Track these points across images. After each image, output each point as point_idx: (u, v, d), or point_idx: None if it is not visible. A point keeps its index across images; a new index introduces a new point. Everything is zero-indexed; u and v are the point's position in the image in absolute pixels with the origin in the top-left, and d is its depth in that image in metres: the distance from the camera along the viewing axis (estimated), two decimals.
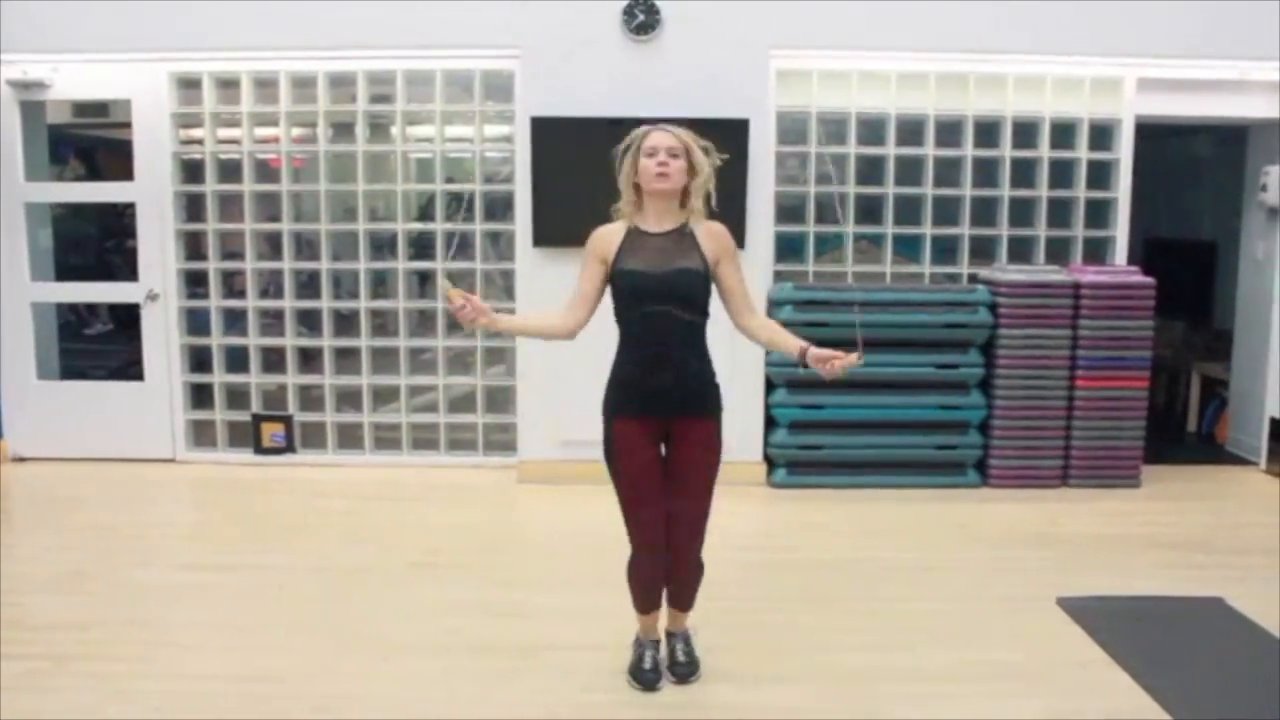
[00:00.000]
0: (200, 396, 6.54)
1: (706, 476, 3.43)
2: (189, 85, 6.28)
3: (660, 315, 3.29)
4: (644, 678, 3.55)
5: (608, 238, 3.37)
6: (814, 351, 3.22)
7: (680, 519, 3.41)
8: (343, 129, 6.33)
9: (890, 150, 6.24)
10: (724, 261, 3.36)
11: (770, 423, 6.05)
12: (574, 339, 3.44)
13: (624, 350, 3.39)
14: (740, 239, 5.77)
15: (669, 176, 3.26)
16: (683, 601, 3.61)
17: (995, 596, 4.40)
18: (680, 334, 3.32)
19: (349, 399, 6.49)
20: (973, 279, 6.25)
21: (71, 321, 7.60)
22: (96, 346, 7.46)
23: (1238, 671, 3.73)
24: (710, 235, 3.36)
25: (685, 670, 3.59)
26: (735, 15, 5.84)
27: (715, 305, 3.41)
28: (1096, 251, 6.39)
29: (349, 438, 6.50)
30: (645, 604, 3.57)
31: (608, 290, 3.39)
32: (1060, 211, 6.37)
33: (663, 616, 3.65)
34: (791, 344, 3.34)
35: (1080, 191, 6.32)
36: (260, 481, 6.12)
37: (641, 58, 5.82)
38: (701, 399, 3.39)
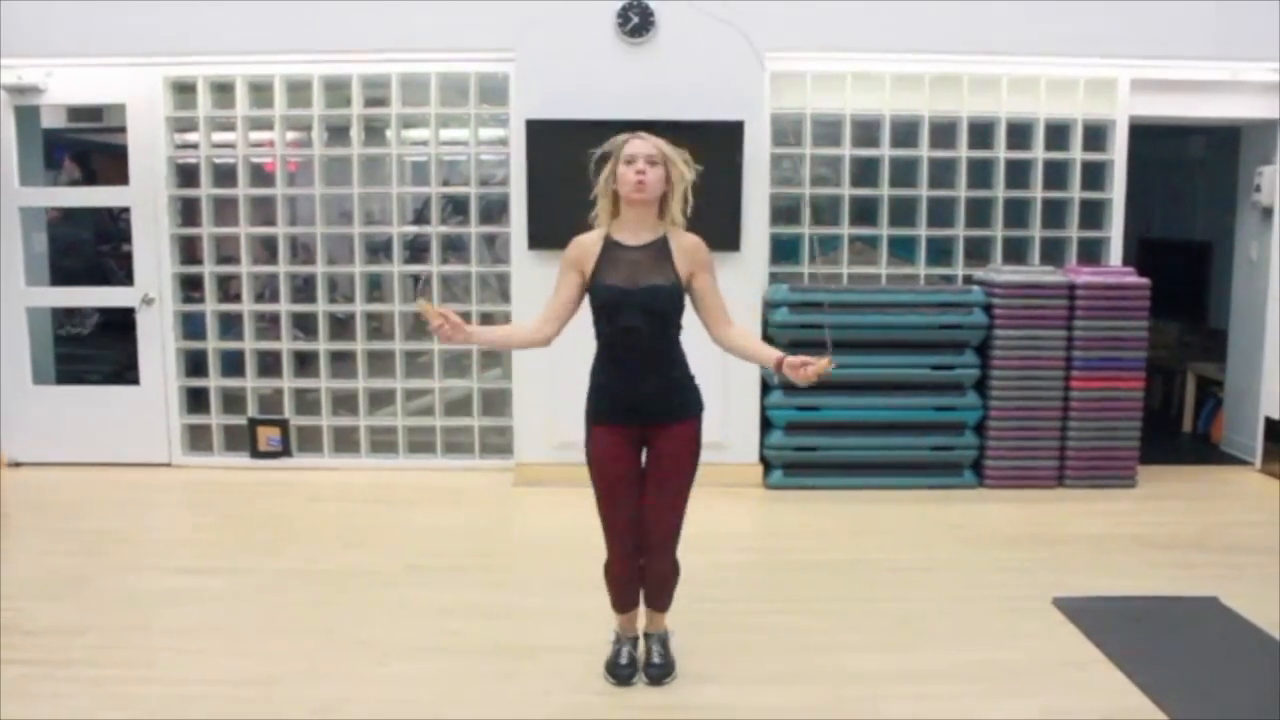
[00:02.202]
0: (196, 401, 6.53)
1: (682, 478, 3.45)
2: (184, 89, 6.28)
3: (633, 330, 3.31)
4: (618, 672, 3.60)
5: (586, 250, 3.38)
6: (788, 360, 3.23)
7: (656, 520, 3.45)
8: (338, 132, 6.33)
9: (885, 152, 6.25)
10: (698, 275, 3.37)
11: (766, 424, 6.06)
12: (550, 346, 3.48)
13: (600, 360, 3.43)
14: (735, 241, 5.84)
15: (646, 185, 3.27)
16: (660, 602, 3.63)
17: (991, 597, 4.41)
18: (653, 346, 3.35)
19: (345, 402, 6.49)
20: (968, 280, 6.26)
21: (67, 326, 7.58)
22: (92, 351, 7.43)
23: (1233, 670, 3.73)
24: (684, 250, 3.37)
25: (659, 672, 3.61)
26: (729, 17, 5.84)
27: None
28: (1091, 252, 6.40)
29: (345, 441, 6.50)
30: (621, 604, 3.62)
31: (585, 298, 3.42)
32: (1055, 212, 6.38)
33: (641, 616, 3.68)
34: (767, 355, 3.36)
35: (1075, 192, 6.34)
36: (256, 485, 6.12)
37: (636, 60, 5.83)
38: (677, 404, 3.42)
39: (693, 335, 3.45)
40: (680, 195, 3.34)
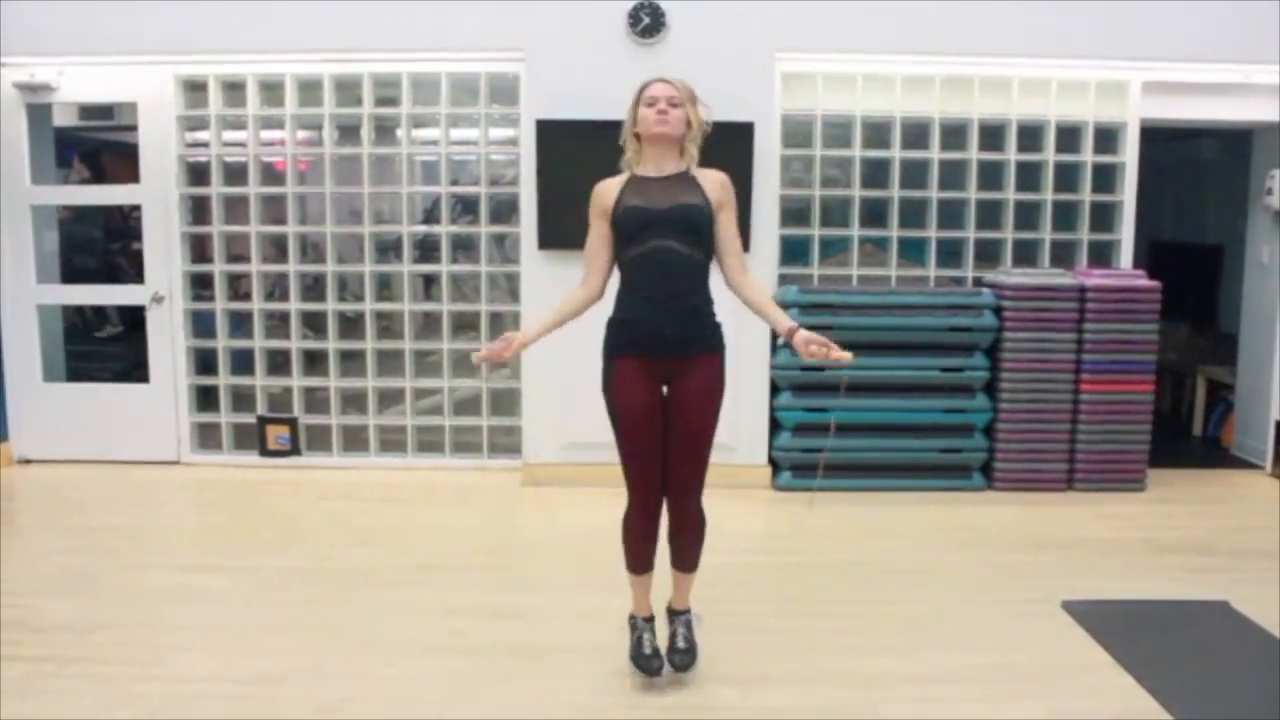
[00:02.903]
0: (205, 399, 6.55)
1: (706, 416, 3.40)
2: (195, 88, 6.30)
3: (661, 250, 3.30)
4: (645, 664, 3.52)
5: (607, 191, 3.40)
6: (804, 334, 3.22)
7: (680, 461, 3.39)
8: (348, 132, 6.35)
9: (895, 153, 6.24)
10: (724, 210, 3.38)
11: (775, 426, 6.05)
12: (604, 297, 3.45)
13: (624, 291, 3.40)
14: (745, 243, 5.81)
15: (668, 122, 3.31)
16: (686, 560, 3.55)
17: (1000, 600, 4.39)
18: (681, 270, 3.32)
19: (354, 401, 6.50)
20: (978, 282, 6.24)
21: (79, 325, 7.60)
22: (102, 349, 7.45)
23: (1243, 675, 3.71)
24: (713, 181, 3.39)
25: (684, 659, 3.54)
26: (740, 18, 5.84)
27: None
28: (1102, 255, 6.38)
29: (354, 440, 6.51)
30: (637, 560, 3.53)
31: None
32: (1065, 215, 6.36)
33: (665, 591, 3.61)
34: (781, 320, 3.35)
35: (1085, 195, 6.32)
36: (265, 484, 6.13)
37: (646, 61, 5.81)
38: (703, 335, 3.38)
39: None
40: (697, 136, 3.38)
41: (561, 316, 3.48)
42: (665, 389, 3.40)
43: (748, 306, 3.47)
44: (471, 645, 3.89)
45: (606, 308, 3.45)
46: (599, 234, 3.41)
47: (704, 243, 3.35)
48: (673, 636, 3.60)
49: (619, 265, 3.40)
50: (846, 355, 3.16)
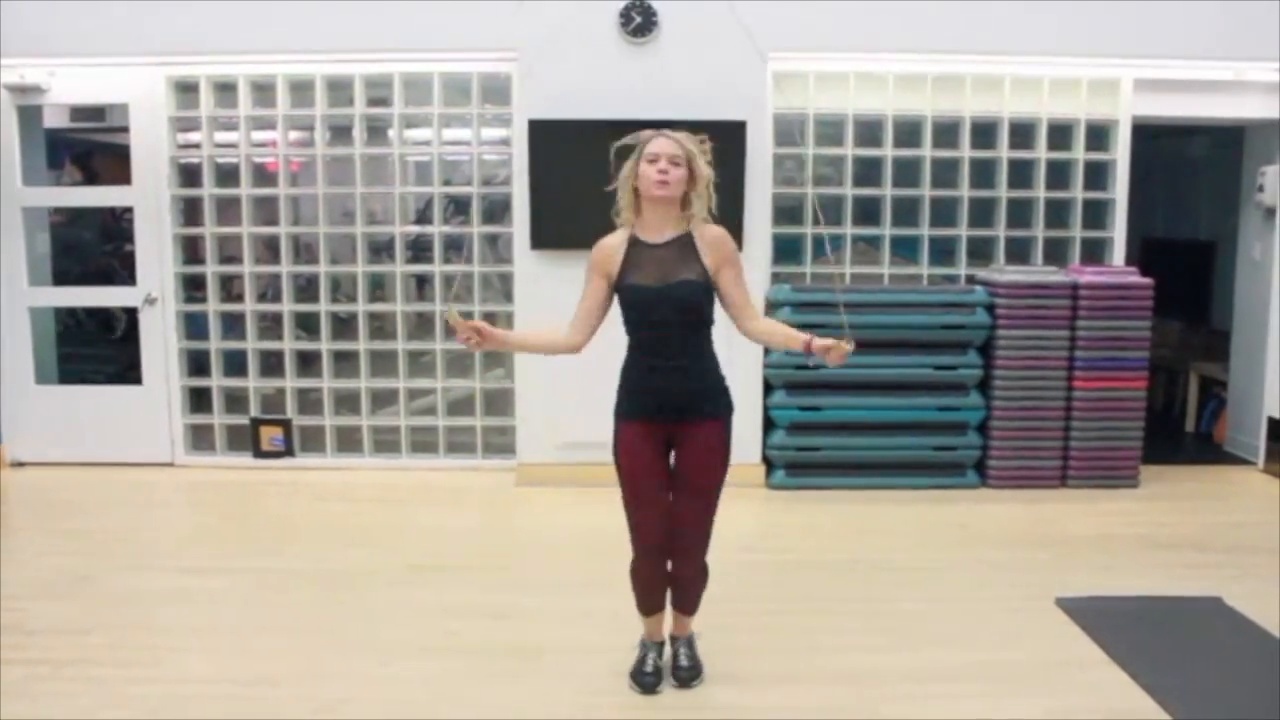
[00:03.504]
0: (199, 400, 6.54)
1: (710, 479, 3.43)
2: (187, 89, 6.28)
3: (662, 326, 3.31)
4: (643, 680, 3.55)
5: (610, 253, 3.37)
6: (817, 342, 3.24)
7: (683, 521, 3.42)
8: (340, 132, 6.33)
9: (888, 152, 6.25)
10: (725, 269, 3.36)
11: (769, 424, 6.05)
12: (579, 354, 3.45)
13: (631, 356, 3.42)
14: (737, 241, 5.80)
15: (669, 184, 3.25)
16: (686, 605, 3.60)
17: (994, 597, 4.40)
18: (683, 344, 3.34)
19: (348, 402, 6.49)
20: (971, 280, 6.25)
21: (71, 327, 7.58)
22: (98, 351, 7.43)
23: (1236, 671, 3.73)
24: (710, 244, 3.35)
25: (686, 675, 3.58)
26: (731, 17, 5.83)
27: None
28: (1094, 252, 6.40)
29: (348, 441, 6.50)
30: (646, 606, 3.58)
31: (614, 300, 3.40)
32: (1058, 212, 6.37)
33: (668, 620, 3.64)
34: (797, 338, 3.34)
35: (1078, 192, 6.33)
36: (259, 485, 6.12)
37: (638, 60, 5.83)
38: (706, 402, 3.40)
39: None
40: (705, 192, 3.34)
41: (541, 345, 3.60)
42: (672, 451, 3.43)
43: (765, 345, 3.52)
44: (467, 645, 3.89)
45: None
46: (595, 293, 3.39)
47: (703, 314, 3.36)
48: (675, 656, 3.63)
49: (626, 329, 3.40)
50: (847, 345, 3.21)
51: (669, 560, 3.48)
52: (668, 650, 3.66)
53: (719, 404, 3.44)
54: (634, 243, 3.36)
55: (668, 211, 3.33)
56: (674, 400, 3.34)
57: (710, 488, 3.44)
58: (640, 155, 3.29)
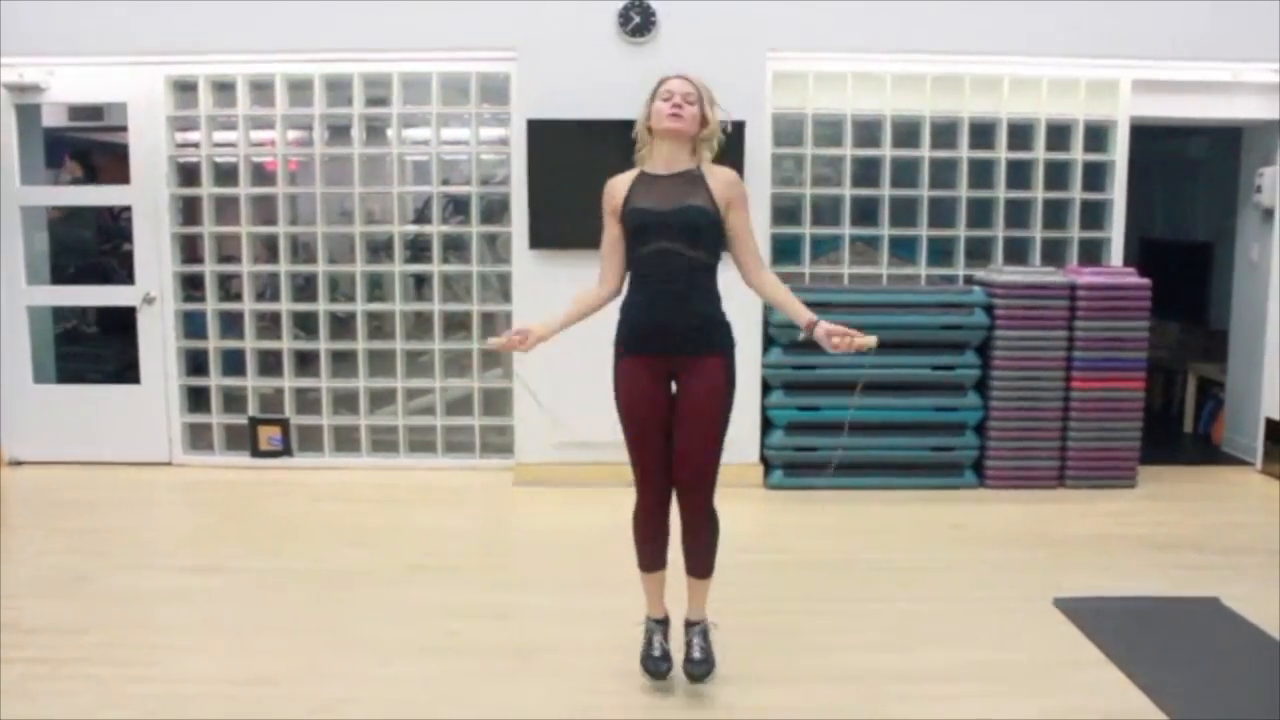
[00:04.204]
0: (197, 400, 6.53)
1: (712, 416, 3.40)
2: (185, 88, 6.28)
3: (667, 252, 3.31)
4: (653, 666, 3.51)
5: (617, 189, 3.41)
6: (826, 326, 3.24)
7: (686, 461, 3.39)
8: (339, 132, 6.33)
9: (886, 152, 6.25)
10: (734, 208, 3.38)
11: (767, 424, 6.05)
12: (621, 294, 3.47)
13: (632, 290, 3.42)
14: None
15: (682, 118, 3.30)
16: (699, 566, 3.53)
17: (992, 597, 4.41)
18: (687, 272, 3.33)
19: (346, 402, 6.49)
20: (969, 280, 6.26)
21: (70, 328, 7.57)
22: (94, 350, 7.42)
23: (1234, 671, 3.73)
24: (721, 180, 3.38)
25: (700, 669, 3.50)
26: (730, 17, 5.84)
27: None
28: (1092, 253, 6.40)
29: (346, 440, 6.50)
30: (647, 558, 3.53)
31: None
32: (1056, 213, 6.38)
33: (681, 603, 3.59)
34: (802, 313, 3.36)
35: (1076, 193, 6.34)
36: (257, 484, 6.12)
37: (637, 60, 5.82)
38: (707, 336, 3.38)
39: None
40: (711, 135, 3.39)
41: (578, 313, 3.50)
42: (674, 387, 3.41)
43: (766, 299, 3.52)
44: (467, 645, 3.89)
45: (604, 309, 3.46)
46: (611, 234, 3.43)
47: (707, 244, 3.35)
48: (689, 646, 3.57)
49: (628, 264, 3.41)
50: (870, 340, 3.19)
51: (678, 511, 3.45)
52: (680, 638, 3.60)
53: (721, 340, 3.42)
54: (642, 176, 3.40)
55: (678, 148, 3.36)
56: (675, 333, 3.33)
57: (712, 419, 3.40)
58: (654, 95, 3.36)
